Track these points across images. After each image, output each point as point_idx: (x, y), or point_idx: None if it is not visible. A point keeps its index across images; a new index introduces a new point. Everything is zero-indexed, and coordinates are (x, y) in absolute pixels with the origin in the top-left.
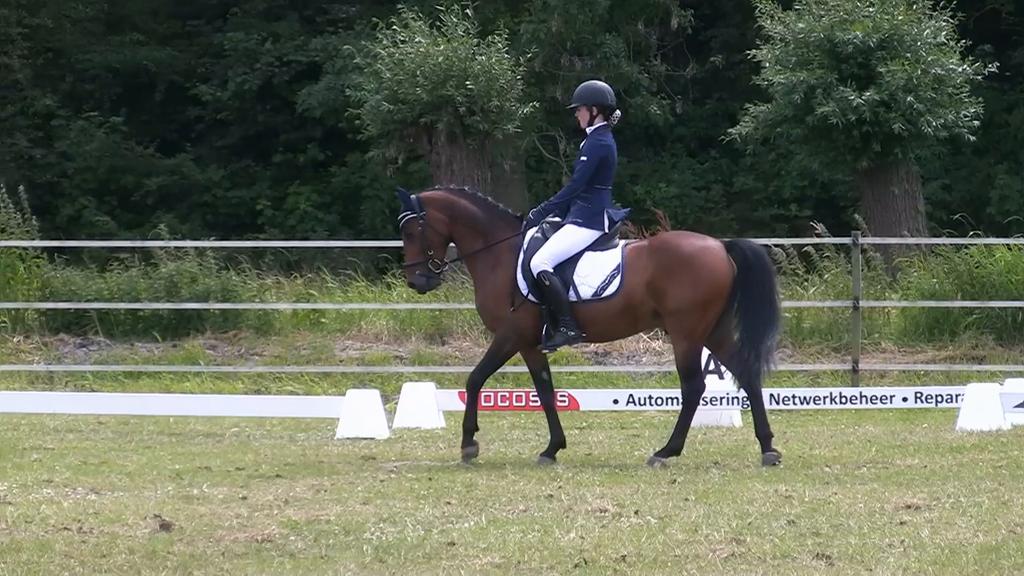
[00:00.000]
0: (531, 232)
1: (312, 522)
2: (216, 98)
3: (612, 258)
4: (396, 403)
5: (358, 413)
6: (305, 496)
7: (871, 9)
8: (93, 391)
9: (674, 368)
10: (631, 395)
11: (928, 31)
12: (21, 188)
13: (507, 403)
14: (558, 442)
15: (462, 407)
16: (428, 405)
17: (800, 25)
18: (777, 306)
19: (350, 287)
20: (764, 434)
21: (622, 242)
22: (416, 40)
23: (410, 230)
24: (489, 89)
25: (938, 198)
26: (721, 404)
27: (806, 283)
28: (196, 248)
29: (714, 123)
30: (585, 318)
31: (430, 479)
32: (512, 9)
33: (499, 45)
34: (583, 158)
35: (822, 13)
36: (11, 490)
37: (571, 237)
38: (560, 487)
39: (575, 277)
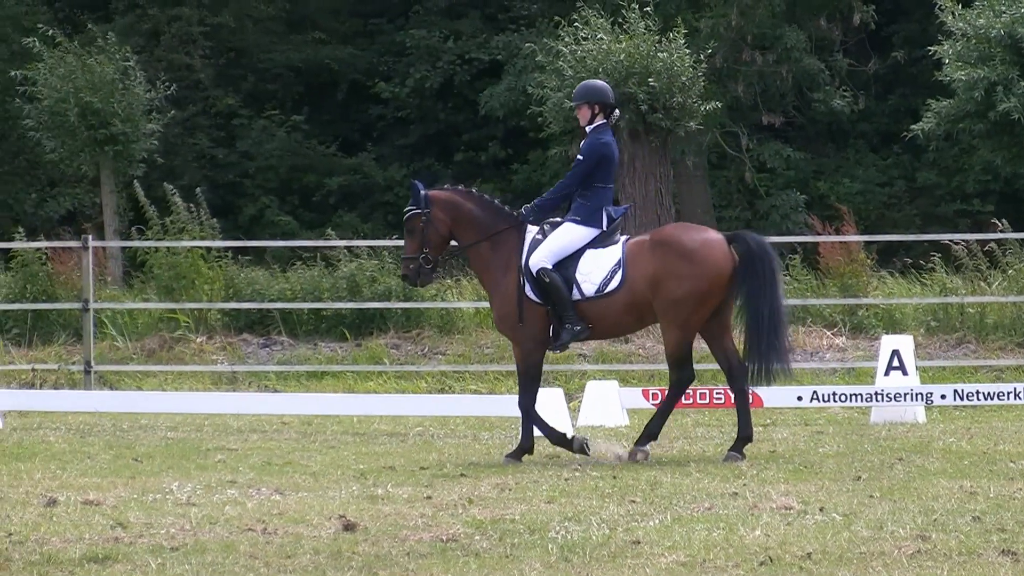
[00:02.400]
0: (532, 233)
1: (497, 521)
2: (396, 96)
3: (613, 254)
4: (580, 401)
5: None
6: (490, 495)
7: None
8: (276, 391)
9: (859, 364)
10: (815, 392)
11: None
12: (198, 189)
13: (690, 400)
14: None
15: (646, 404)
16: (611, 403)
17: (980, 21)
18: (782, 298)
19: None
20: (744, 435)
21: (623, 238)
22: (598, 37)
23: (412, 226)
24: (671, 86)
25: None
26: (905, 400)
27: (989, 278)
28: (371, 247)
29: (896, 119)
30: (592, 315)
31: (614, 477)
32: (692, 5)
33: (680, 41)
34: (580, 157)
35: (1002, 9)
36: (195, 491)
37: (569, 235)
38: (745, 484)
39: (577, 275)
